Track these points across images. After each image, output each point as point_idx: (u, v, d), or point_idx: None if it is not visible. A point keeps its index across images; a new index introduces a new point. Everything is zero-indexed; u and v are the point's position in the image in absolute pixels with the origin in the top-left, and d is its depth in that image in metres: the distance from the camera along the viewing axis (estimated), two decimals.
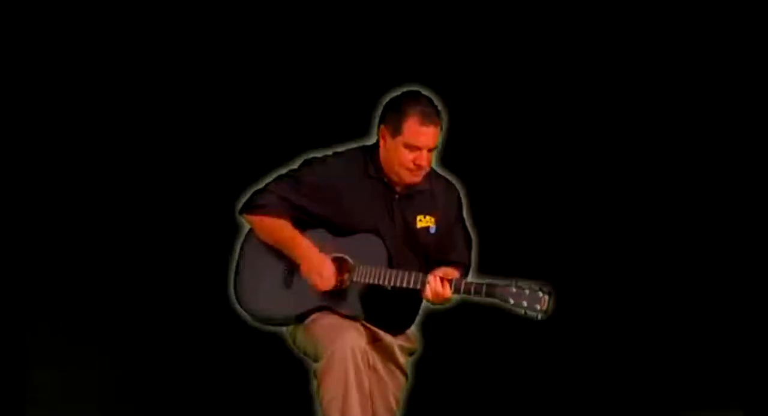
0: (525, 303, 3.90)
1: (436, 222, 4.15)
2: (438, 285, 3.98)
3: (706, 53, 5.23)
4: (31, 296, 5.19)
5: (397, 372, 4.19)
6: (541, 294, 3.90)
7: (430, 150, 4.04)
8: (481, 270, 4.26)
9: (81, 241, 5.26)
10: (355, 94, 5.09)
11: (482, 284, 3.97)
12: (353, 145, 4.23)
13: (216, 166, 5.29)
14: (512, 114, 5.34)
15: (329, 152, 4.19)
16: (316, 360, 4.06)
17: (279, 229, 4.12)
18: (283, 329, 4.26)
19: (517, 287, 3.92)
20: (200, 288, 5.12)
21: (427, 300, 4.06)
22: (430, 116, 4.02)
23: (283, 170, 4.18)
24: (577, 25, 5.28)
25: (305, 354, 4.17)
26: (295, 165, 4.17)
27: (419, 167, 4.04)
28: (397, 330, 4.19)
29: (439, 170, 4.24)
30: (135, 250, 5.29)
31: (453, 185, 4.25)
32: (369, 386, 4.00)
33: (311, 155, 4.18)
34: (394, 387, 4.18)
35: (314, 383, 4.04)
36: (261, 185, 4.18)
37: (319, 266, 4.06)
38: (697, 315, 5.25)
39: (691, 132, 5.28)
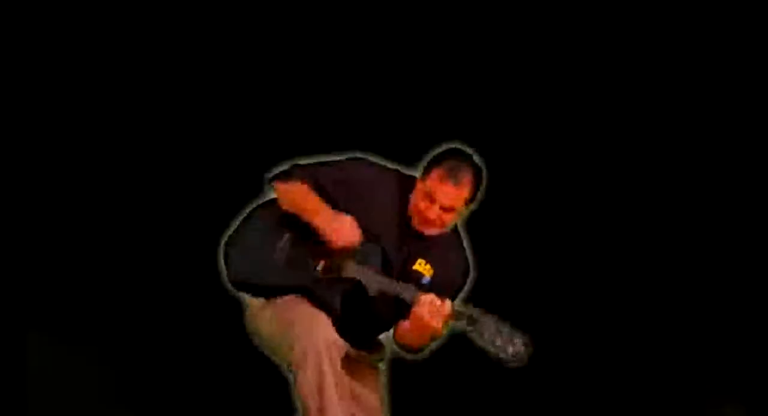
0: (498, 343, 3.66)
1: (432, 277, 3.94)
2: (435, 300, 3.74)
3: (706, 58, 5.12)
4: (29, 290, 5.14)
5: (368, 368, 4.06)
6: (518, 339, 3.66)
7: (444, 209, 3.84)
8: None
9: (83, 243, 5.22)
10: (367, 100, 5.11)
11: (464, 313, 3.74)
12: (409, 171, 4.10)
13: (217, 166, 5.24)
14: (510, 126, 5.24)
15: (384, 164, 4.08)
16: (281, 349, 3.89)
17: (297, 191, 3.97)
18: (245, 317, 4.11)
19: (496, 324, 3.69)
20: (203, 289, 4.97)
21: (416, 320, 3.77)
22: (456, 176, 3.83)
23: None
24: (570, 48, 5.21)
25: (268, 336, 3.99)
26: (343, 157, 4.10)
27: (425, 219, 3.86)
28: (360, 345, 4.01)
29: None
30: (138, 252, 5.24)
31: (467, 263, 4.03)
32: (350, 387, 3.89)
33: (362, 155, 4.10)
34: (372, 383, 4.05)
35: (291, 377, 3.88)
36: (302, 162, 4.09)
37: (336, 223, 3.89)
38: (697, 312, 5.16)
39: (686, 150, 5.17)
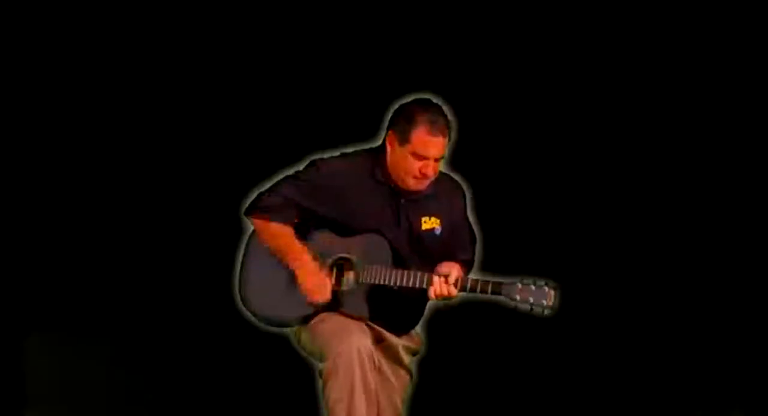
0: (531, 299, 3.93)
1: (441, 223, 4.14)
2: (443, 285, 3.99)
3: (706, 53, 5.21)
4: (33, 301, 5.20)
5: (402, 372, 4.19)
6: (546, 289, 3.92)
7: (437, 160, 4.02)
8: (485, 268, 4.25)
9: (84, 242, 5.27)
10: (361, 95, 5.09)
11: (488, 282, 3.98)
12: (360, 146, 4.20)
13: (220, 165, 5.28)
14: (516, 113, 5.33)
15: (336, 153, 4.16)
16: (321, 360, 4.04)
17: (280, 236, 4.13)
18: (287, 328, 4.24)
19: (522, 283, 3.94)
20: (204, 288, 5.11)
21: (432, 299, 4.06)
22: (438, 126, 3.99)
23: (290, 172, 4.15)
24: (580, 26, 5.26)
25: (310, 353, 4.16)
26: (301, 166, 4.15)
27: (425, 175, 4.02)
28: (402, 330, 4.18)
29: (445, 169, 4.19)
30: (139, 251, 5.29)
31: (458, 183, 4.23)
32: (375, 387, 3.99)
33: (317, 157, 4.15)
34: (399, 388, 4.18)
35: (319, 383, 4.03)
36: (266, 187, 4.16)
37: (315, 280, 4.08)
38: (697, 315, 5.23)
39: (692, 131, 5.26)
